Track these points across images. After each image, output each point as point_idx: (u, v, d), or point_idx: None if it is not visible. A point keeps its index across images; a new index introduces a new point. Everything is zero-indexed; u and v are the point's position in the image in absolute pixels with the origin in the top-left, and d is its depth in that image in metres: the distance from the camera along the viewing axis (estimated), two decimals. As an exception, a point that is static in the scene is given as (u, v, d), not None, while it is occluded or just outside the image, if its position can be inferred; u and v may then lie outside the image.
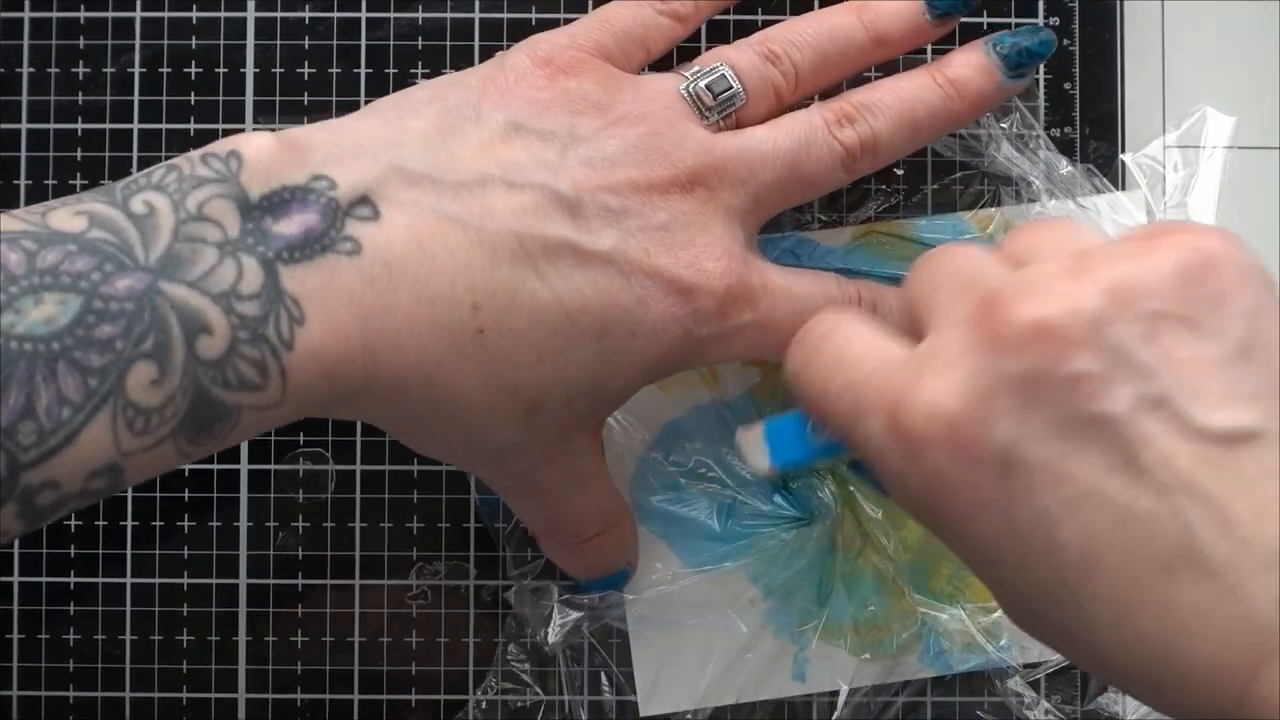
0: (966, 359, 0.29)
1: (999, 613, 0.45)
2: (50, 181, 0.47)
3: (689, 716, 0.46)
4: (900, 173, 0.47)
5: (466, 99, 0.38)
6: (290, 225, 0.34)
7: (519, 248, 0.36)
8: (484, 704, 0.46)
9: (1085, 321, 0.28)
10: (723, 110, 0.40)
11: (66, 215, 0.33)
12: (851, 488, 0.46)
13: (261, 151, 0.35)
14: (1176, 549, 0.28)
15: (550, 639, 0.46)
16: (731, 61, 0.40)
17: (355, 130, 0.36)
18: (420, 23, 0.48)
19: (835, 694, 0.46)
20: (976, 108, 0.42)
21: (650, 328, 0.37)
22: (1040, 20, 0.47)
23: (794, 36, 0.41)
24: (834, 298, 0.40)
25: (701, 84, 0.40)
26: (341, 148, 0.35)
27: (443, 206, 0.35)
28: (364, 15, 0.48)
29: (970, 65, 0.42)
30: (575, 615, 0.46)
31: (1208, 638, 0.27)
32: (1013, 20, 0.47)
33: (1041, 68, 0.47)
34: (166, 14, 0.48)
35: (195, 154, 0.35)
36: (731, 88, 0.40)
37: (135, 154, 0.47)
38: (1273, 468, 0.28)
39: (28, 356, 0.30)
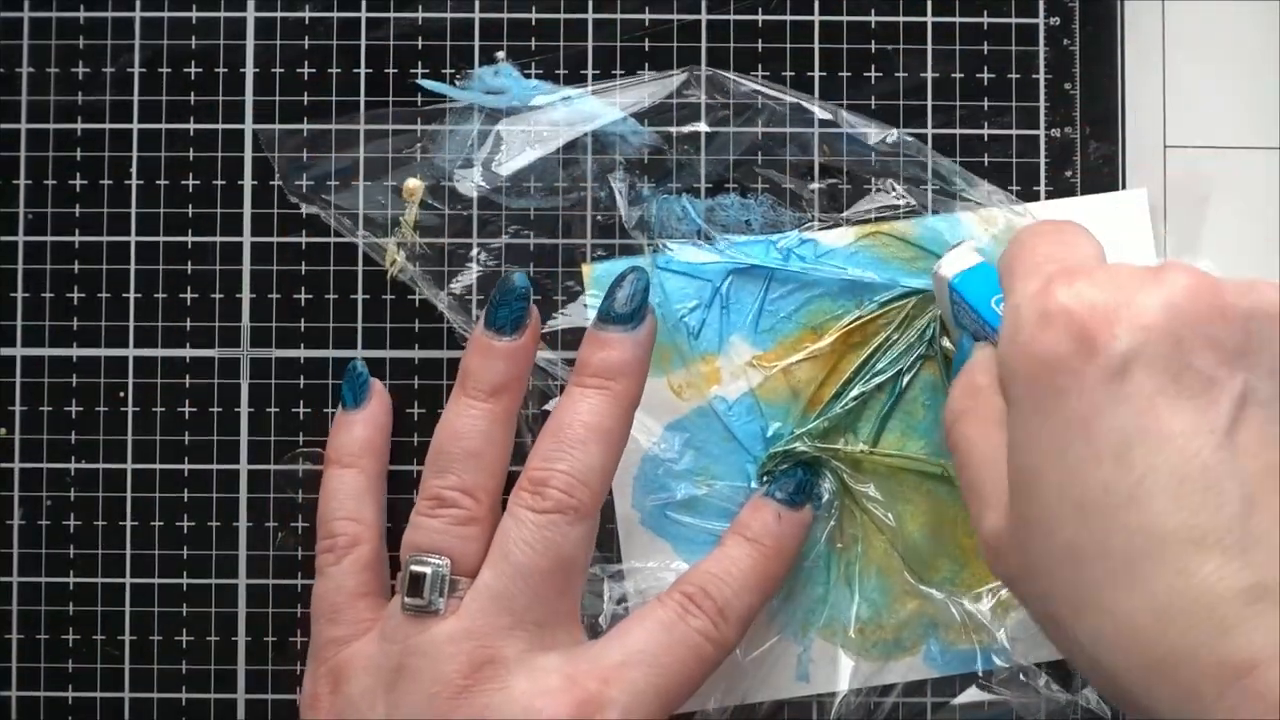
0: (1136, 280, 0.33)
1: (994, 600, 0.45)
2: (50, 181, 0.47)
3: (693, 716, 0.46)
4: (901, 174, 0.47)
5: None
6: None
7: None
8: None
9: (1247, 307, 0.32)
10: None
11: None
12: (849, 482, 0.46)
13: None
14: (1220, 526, 0.30)
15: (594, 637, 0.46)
16: None
17: None
18: (420, 23, 0.48)
19: (836, 694, 0.46)
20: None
21: None
22: (1040, 21, 0.47)
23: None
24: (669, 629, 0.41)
25: None
26: None
27: None
28: (364, 15, 0.48)
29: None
30: (618, 612, 0.46)
31: (1211, 609, 0.30)
32: (1012, 20, 0.47)
33: (1042, 68, 0.47)
34: (166, 14, 0.48)
35: None
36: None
37: (135, 154, 0.47)
38: None
39: None
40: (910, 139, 0.47)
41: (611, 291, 0.41)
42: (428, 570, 0.39)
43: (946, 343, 0.46)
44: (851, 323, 0.46)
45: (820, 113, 0.47)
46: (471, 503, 0.40)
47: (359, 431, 0.44)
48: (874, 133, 0.47)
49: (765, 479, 0.45)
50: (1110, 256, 0.46)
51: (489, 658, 0.38)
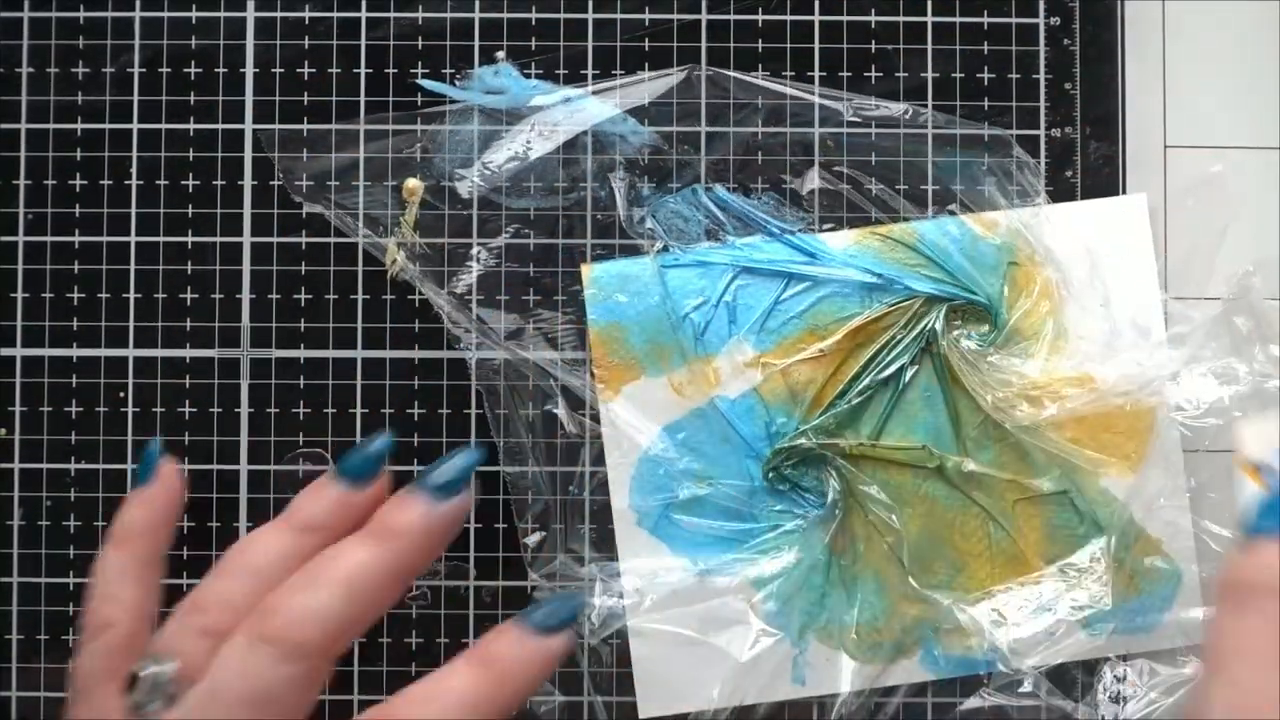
0: None
1: (991, 604, 0.46)
2: (50, 181, 0.47)
3: (689, 718, 0.46)
4: (901, 174, 0.47)
5: None
6: None
7: None
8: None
9: None
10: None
11: None
12: (851, 482, 0.46)
13: None
14: None
15: (593, 635, 0.46)
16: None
17: None
18: (420, 23, 0.48)
19: (835, 696, 0.46)
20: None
21: None
22: (1041, 20, 0.47)
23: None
24: None
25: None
26: None
27: None
28: (364, 15, 0.48)
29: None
30: (616, 609, 0.46)
31: None
32: (1013, 20, 0.47)
33: (1042, 68, 0.47)
34: (166, 14, 0.48)
35: None
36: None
37: (135, 154, 0.47)
38: None
39: None
40: (911, 137, 0.47)
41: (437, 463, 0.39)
42: (150, 672, 0.37)
43: (944, 344, 0.46)
44: (859, 323, 0.46)
45: (821, 100, 0.47)
46: (225, 617, 0.38)
47: (136, 512, 0.42)
48: (876, 110, 0.47)
49: (770, 475, 0.45)
50: (1110, 261, 0.46)
51: None
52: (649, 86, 0.47)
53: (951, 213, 0.47)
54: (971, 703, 0.46)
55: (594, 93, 0.47)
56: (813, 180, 0.47)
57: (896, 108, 0.47)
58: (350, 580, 0.37)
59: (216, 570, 0.38)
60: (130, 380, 0.47)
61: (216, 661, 0.36)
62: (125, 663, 0.38)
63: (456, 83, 0.47)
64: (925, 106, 0.47)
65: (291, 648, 0.36)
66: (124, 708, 0.37)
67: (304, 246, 0.47)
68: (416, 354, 0.47)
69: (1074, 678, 0.46)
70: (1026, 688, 0.46)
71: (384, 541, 0.37)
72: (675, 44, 0.47)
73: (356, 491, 0.39)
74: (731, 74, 0.47)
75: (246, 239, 0.47)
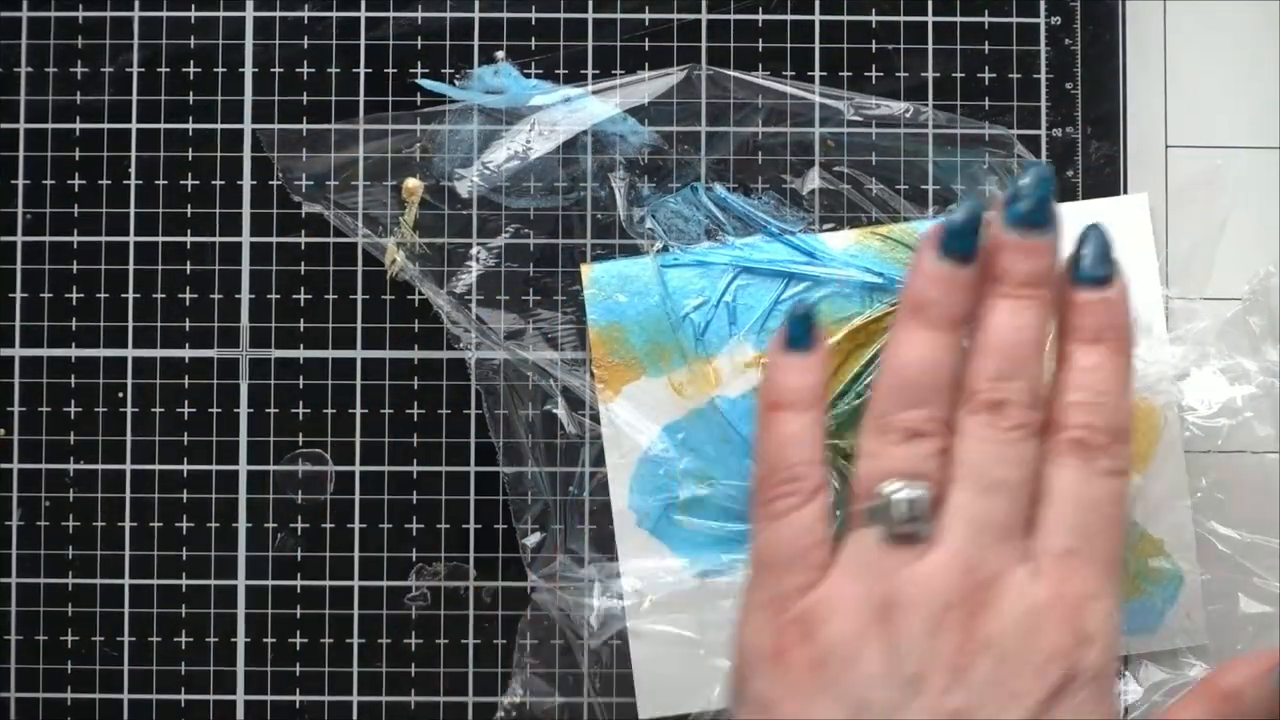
0: None
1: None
2: (48, 181, 0.47)
3: (689, 718, 0.46)
4: (901, 174, 0.47)
5: None
6: None
7: None
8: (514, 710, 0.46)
9: None
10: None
11: None
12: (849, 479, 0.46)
13: None
14: None
15: (593, 638, 0.46)
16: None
17: None
18: (420, 22, 0.48)
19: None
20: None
21: None
22: (1041, 20, 0.47)
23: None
24: None
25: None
26: None
27: None
28: (363, 15, 0.48)
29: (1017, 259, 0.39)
30: (615, 610, 0.46)
31: None
32: (1014, 20, 0.47)
33: (1043, 67, 0.47)
34: (165, 13, 0.48)
35: None
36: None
37: (133, 154, 0.47)
38: None
39: None
40: (911, 135, 0.47)
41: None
42: (913, 496, 0.37)
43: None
44: (860, 323, 0.46)
45: (822, 100, 0.47)
46: (943, 433, 0.38)
47: (808, 378, 0.40)
48: (879, 109, 0.47)
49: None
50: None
51: (979, 580, 0.36)
52: (649, 86, 0.47)
53: (952, 212, 0.47)
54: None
55: (594, 93, 0.47)
56: (813, 180, 0.47)
57: (898, 106, 0.47)
58: (1038, 347, 0.38)
59: (903, 400, 0.38)
60: (129, 380, 0.47)
61: (979, 464, 0.37)
62: (829, 526, 0.38)
63: (456, 82, 0.47)
64: (926, 105, 0.47)
65: (1032, 428, 0.37)
66: (874, 544, 0.37)
67: (303, 246, 0.47)
68: (416, 354, 0.47)
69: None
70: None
71: (1036, 293, 0.38)
72: (675, 44, 0.47)
73: (973, 268, 0.38)
74: (731, 73, 0.47)
75: (245, 239, 0.47)
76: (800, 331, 0.40)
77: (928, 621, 0.36)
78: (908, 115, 0.47)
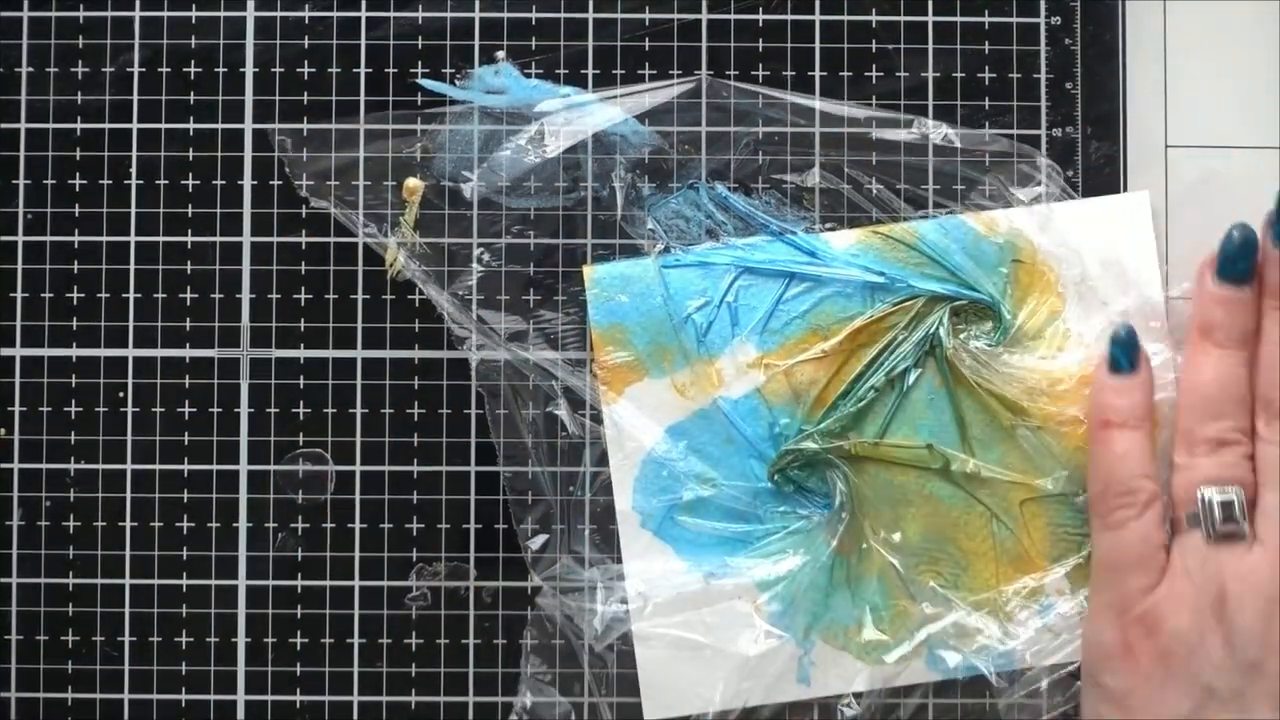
0: None
1: (995, 604, 0.46)
2: (49, 181, 0.47)
3: (694, 719, 0.46)
4: (901, 174, 0.47)
5: None
6: None
7: None
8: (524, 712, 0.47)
9: None
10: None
11: None
12: (856, 482, 0.46)
13: None
14: None
15: (596, 641, 0.46)
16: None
17: None
18: (420, 23, 0.48)
19: (839, 697, 0.46)
20: None
21: None
22: (1041, 20, 0.47)
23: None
24: None
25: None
26: None
27: None
28: (364, 15, 0.48)
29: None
30: (619, 614, 0.46)
31: None
32: (1014, 20, 0.47)
33: (1043, 67, 0.47)
34: (165, 13, 0.47)
35: None
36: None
37: (134, 154, 0.47)
38: None
39: None
40: (914, 138, 0.47)
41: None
42: (1227, 499, 0.42)
43: (951, 344, 0.46)
44: (862, 323, 0.46)
45: (823, 106, 0.47)
46: (1246, 440, 0.43)
47: (1136, 397, 0.45)
48: (882, 125, 0.47)
49: (776, 477, 0.45)
50: (1112, 258, 0.46)
51: None
52: (652, 96, 0.47)
53: (952, 212, 0.47)
54: (976, 703, 0.46)
55: (599, 100, 0.47)
56: (813, 180, 0.47)
57: (902, 134, 0.47)
58: None
59: (1208, 413, 0.43)
60: (130, 380, 0.47)
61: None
62: (1164, 531, 0.43)
63: (457, 82, 0.47)
64: (928, 120, 0.47)
65: None
66: (1201, 545, 0.42)
67: (304, 246, 0.47)
68: (417, 354, 0.47)
69: (1075, 680, 0.46)
70: (1031, 687, 0.46)
71: None
72: (675, 44, 0.47)
73: (1251, 290, 0.44)
74: (733, 84, 0.47)
75: (246, 238, 0.47)
76: (1123, 354, 0.45)
77: (1260, 612, 0.41)
78: (913, 136, 0.47)
